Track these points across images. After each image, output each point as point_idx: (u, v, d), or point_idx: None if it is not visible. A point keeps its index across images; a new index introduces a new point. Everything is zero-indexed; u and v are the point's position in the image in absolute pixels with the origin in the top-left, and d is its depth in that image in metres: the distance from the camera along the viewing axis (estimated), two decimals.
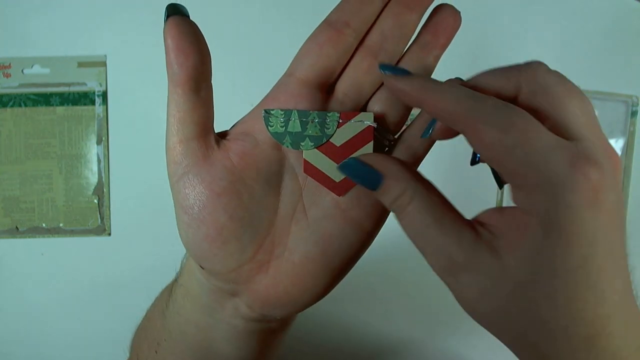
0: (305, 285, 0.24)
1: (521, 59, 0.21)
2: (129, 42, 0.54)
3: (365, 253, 0.26)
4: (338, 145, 0.24)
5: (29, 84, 0.54)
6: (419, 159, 0.25)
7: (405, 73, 0.23)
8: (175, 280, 0.30)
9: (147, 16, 0.54)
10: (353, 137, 0.24)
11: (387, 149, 0.25)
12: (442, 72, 0.24)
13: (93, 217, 0.54)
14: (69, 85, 0.54)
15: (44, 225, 0.54)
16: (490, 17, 0.52)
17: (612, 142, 0.53)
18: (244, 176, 0.23)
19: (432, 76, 0.24)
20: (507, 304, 0.21)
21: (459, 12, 0.24)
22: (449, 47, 0.24)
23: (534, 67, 0.22)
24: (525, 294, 0.21)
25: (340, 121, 0.24)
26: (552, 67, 0.22)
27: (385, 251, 0.54)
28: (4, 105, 0.54)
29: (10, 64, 0.54)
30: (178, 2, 0.23)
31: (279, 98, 0.24)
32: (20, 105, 0.54)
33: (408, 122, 0.25)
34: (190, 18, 0.23)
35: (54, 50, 0.54)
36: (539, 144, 0.19)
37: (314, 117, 0.23)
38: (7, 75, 0.53)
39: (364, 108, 0.24)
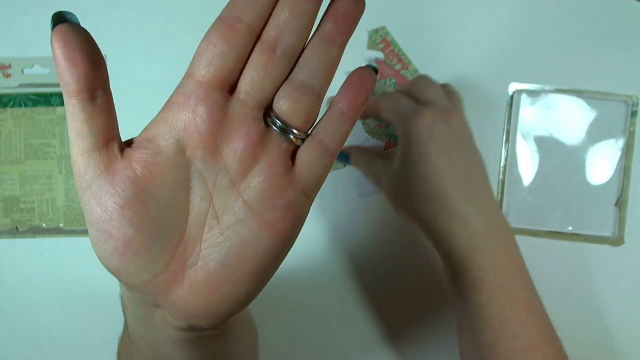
0: (224, 293, 0.23)
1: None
2: (129, 42, 0.54)
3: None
4: None
5: (29, 84, 0.54)
6: (332, 154, 0.24)
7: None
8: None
9: (147, 16, 0.54)
10: None
11: (299, 146, 0.24)
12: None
13: None
14: None
15: (44, 225, 0.54)
16: (490, 15, 0.52)
17: (612, 142, 0.53)
18: (148, 186, 0.22)
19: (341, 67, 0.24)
20: (399, 188, 0.42)
21: None
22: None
23: (418, 78, 0.45)
24: (402, 180, 0.41)
25: None
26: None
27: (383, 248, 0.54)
28: (4, 105, 0.54)
29: (10, 64, 0.54)
30: (64, 10, 0.22)
31: (179, 101, 0.23)
32: (20, 105, 0.54)
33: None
34: (80, 24, 0.22)
35: None
36: (402, 102, 0.43)
37: None
38: (7, 75, 0.53)
39: (269, 105, 0.23)
